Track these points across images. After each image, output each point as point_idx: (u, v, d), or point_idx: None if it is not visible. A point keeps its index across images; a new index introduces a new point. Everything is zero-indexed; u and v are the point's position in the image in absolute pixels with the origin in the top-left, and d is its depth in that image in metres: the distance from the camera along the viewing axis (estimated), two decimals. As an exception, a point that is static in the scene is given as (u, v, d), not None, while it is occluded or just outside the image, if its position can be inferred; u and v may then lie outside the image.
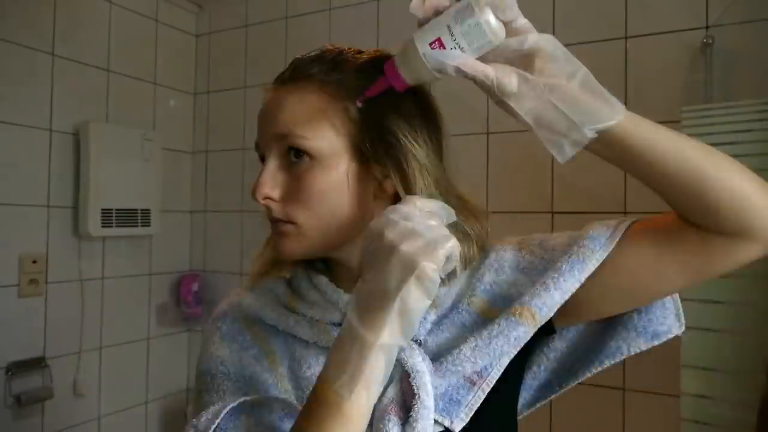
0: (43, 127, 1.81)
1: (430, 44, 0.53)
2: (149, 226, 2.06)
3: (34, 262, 1.76)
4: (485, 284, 0.67)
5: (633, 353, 0.69)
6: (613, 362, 0.70)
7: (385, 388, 0.58)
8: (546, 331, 0.65)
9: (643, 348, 0.69)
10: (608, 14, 1.60)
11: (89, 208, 1.86)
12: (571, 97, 0.52)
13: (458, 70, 0.52)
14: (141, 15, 2.13)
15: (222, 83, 2.30)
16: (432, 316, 0.64)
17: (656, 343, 0.68)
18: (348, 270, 0.66)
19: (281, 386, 0.64)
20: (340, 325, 0.59)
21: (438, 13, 0.54)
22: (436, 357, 0.62)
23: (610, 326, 0.71)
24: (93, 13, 1.96)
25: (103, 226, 1.89)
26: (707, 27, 1.47)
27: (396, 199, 0.61)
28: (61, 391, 1.82)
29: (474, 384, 0.61)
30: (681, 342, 1.31)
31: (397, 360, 0.54)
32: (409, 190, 0.60)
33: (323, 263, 0.71)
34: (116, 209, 1.94)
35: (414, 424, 0.55)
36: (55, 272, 1.82)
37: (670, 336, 0.68)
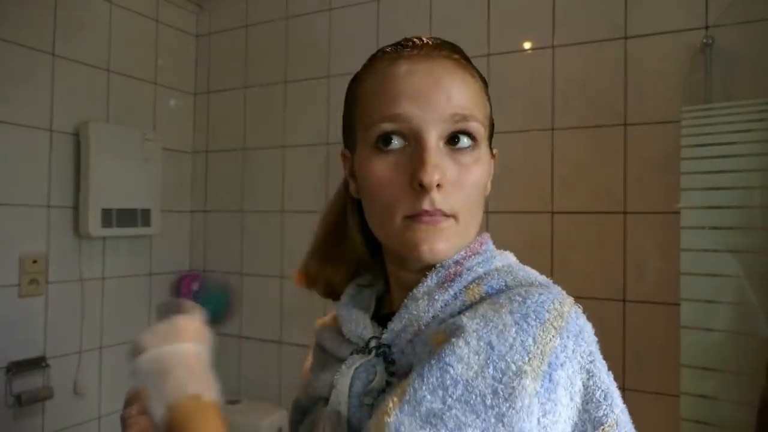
0: (43, 127, 1.81)
1: None
2: (149, 226, 2.06)
3: (35, 262, 1.76)
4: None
5: None
6: None
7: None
8: None
9: None
10: (608, 14, 1.60)
11: (89, 208, 1.86)
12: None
13: None
14: (141, 15, 2.13)
15: (222, 83, 2.30)
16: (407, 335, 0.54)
17: None
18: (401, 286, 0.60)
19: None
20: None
21: None
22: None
23: None
24: (93, 13, 1.96)
25: (103, 226, 1.89)
26: (707, 27, 1.47)
27: None
28: (62, 390, 1.82)
29: None
30: (681, 342, 1.31)
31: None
32: None
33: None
34: (116, 209, 1.94)
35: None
36: (55, 272, 1.82)
37: None
